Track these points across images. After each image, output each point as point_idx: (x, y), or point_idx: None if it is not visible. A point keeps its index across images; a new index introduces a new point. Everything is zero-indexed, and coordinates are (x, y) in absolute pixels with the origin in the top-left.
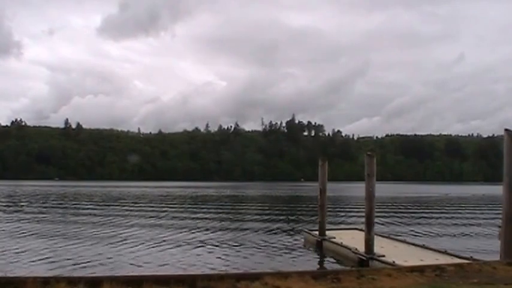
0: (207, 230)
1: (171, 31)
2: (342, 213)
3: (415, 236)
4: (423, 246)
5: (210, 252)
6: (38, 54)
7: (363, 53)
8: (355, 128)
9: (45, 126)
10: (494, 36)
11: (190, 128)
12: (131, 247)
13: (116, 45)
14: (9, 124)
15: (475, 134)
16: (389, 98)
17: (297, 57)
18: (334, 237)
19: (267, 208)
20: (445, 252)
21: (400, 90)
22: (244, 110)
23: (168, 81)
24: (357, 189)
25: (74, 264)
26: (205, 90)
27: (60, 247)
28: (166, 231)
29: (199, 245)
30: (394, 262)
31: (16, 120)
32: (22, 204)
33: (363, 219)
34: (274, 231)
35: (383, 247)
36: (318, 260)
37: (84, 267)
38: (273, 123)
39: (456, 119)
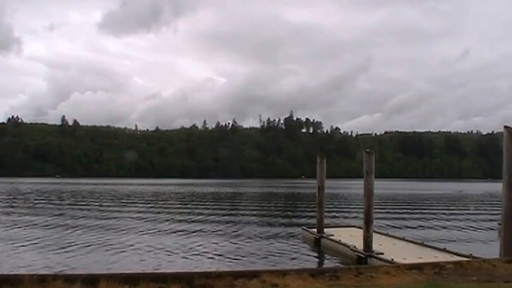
0: (205, 227)
1: (174, 26)
2: (341, 211)
3: (415, 231)
4: (422, 244)
5: (207, 250)
6: (38, 50)
7: (364, 49)
8: (355, 124)
9: (42, 123)
10: (497, 33)
11: (189, 125)
12: (133, 243)
13: (116, 41)
14: (5, 121)
15: (475, 131)
16: (390, 95)
17: (298, 53)
18: (333, 235)
19: (265, 205)
20: (444, 250)
21: (402, 87)
22: (245, 107)
23: (168, 78)
24: (355, 187)
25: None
26: (205, 87)
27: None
28: (164, 229)
29: (197, 242)
30: (392, 260)
31: (13, 117)
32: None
33: (362, 217)
34: (272, 229)
35: (381, 245)
36: (316, 257)
37: (85, 263)
38: (271, 120)
39: (458, 116)
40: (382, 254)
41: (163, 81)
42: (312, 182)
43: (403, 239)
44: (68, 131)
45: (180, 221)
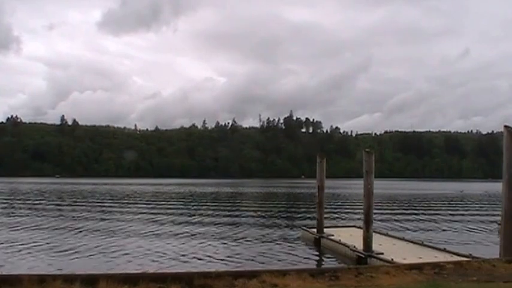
0: (205, 227)
1: (173, 26)
2: (340, 211)
3: (415, 231)
4: (422, 244)
5: (207, 249)
6: (37, 50)
7: (365, 48)
8: (355, 124)
9: (41, 123)
10: (497, 32)
11: (189, 125)
12: (133, 244)
13: (116, 40)
14: (4, 121)
15: (475, 131)
16: (390, 94)
17: (298, 53)
18: (333, 235)
19: (265, 206)
20: (444, 250)
21: (402, 86)
22: (244, 107)
23: (168, 78)
24: (355, 186)
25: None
26: (205, 86)
27: (62, 243)
28: (163, 229)
29: (197, 242)
30: (392, 260)
31: (12, 116)
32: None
33: (361, 217)
34: (272, 229)
35: (381, 244)
36: (316, 257)
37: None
38: (271, 119)
39: (458, 116)
40: (382, 254)
41: (163, 80)
42: (311, 181)
43: (403, 239)
44: (67, 130)
45: (180, 220)
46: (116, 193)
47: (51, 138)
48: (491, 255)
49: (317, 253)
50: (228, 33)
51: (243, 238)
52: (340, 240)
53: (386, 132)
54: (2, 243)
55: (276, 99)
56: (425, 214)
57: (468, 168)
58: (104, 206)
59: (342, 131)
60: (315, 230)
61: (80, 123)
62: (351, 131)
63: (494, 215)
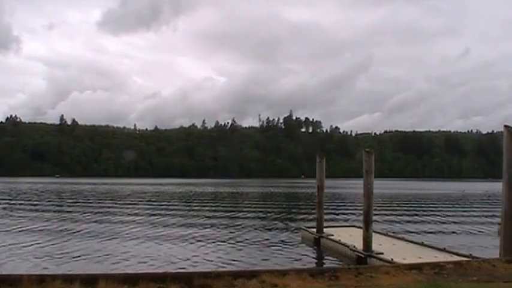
0: (204, 227)
1: (173, 26)
2: (340, 211)
3: (415, 231)
4: (422, 244)
5: (207, 250)
6: (37, 50)
7: (365, 48)
8: (354, 124)
9: (41, 123)
10: (497, 32)
11: (188, 124)
12: (133, 244)
13: (116, 40)
14: (4, 120)
15: (475, 131)
16: (390, 94)
17: (298, 52)
18: (332, 235)
19: (264, 205)
20: (443, 250)
21: (402, 86)
22: (244, 106)
23: (167, 77)
24: (355, 186)
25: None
26: (205, 86)
27: (62, 244)
28: (163, 229)
29: (196, 242)
30: (392, 260)
31: (11, 116)
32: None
33: (361, 217)
34: (271, 229)
35: (381, 244)
36: (316, 257)
37: (86, 263)
38: (271, 119)
39: (458, 115)
40: (382, 254)
41: (163, 80)
42: (311, 181)
43: (402, 239)
44: (66, 130)
45: (180, 220)
46: (116, 193)
47: (51, 138)
48: (491, 255)
49: (317, 253)
50: (228, 33)
51: (242, 238)
52: (340, 240)
53: (386, 132)
54: (2, 244)
55: (275, 99)
56: (427, 215)
57: (468, 168)
58: (103, 207)
59: (341, 131)
60: (314, 229)
61: (79, 123)
62: (351, 131)
63: (494, 216)
